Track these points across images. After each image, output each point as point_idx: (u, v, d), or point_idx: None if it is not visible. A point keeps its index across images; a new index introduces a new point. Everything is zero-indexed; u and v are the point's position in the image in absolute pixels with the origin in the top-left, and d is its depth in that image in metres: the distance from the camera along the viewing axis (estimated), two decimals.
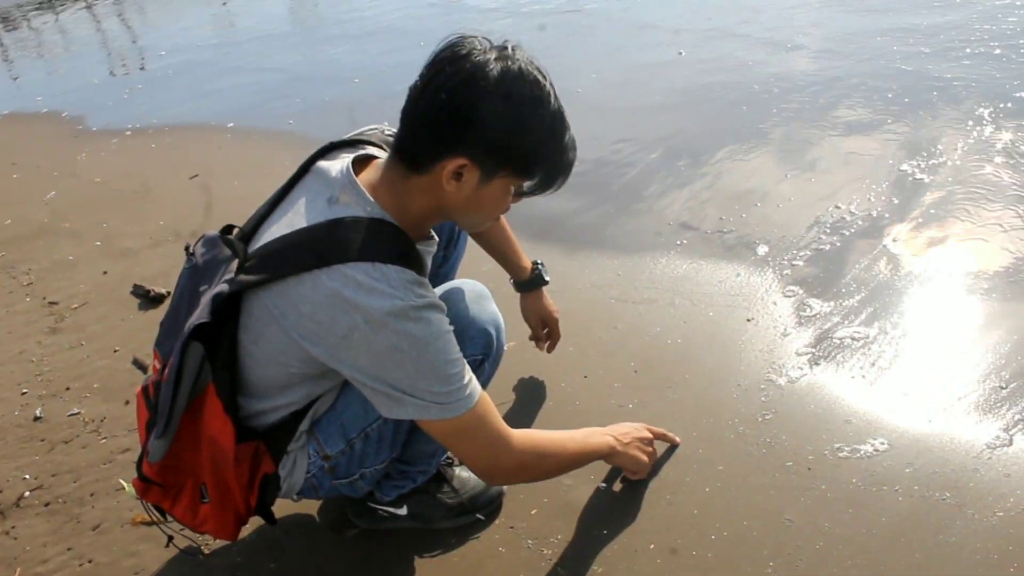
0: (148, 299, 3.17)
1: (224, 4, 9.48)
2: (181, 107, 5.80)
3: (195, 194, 4.12)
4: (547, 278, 2.21)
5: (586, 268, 2.95)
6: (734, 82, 4.43)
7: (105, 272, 3.51)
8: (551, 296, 2.28)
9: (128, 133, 5.41)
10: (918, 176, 3.17)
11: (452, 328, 1.44)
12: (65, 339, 3.04)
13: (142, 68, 7.35)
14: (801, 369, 2.27)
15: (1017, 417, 2.00)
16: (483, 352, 1.69)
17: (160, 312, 3.06)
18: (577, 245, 3.12)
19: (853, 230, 2.90)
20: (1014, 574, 1.63)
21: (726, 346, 2.41)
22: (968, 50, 4.29)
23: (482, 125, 1.34)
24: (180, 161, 4.66)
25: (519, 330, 2.32)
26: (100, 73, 7.32)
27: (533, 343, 2.33)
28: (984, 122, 3.49)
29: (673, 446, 2.05)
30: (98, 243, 3.81)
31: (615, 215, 3.29)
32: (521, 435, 1.58)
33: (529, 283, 2.20)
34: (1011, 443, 1.93)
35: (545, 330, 2.29)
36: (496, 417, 1.52)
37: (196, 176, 4.35)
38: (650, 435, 1.94)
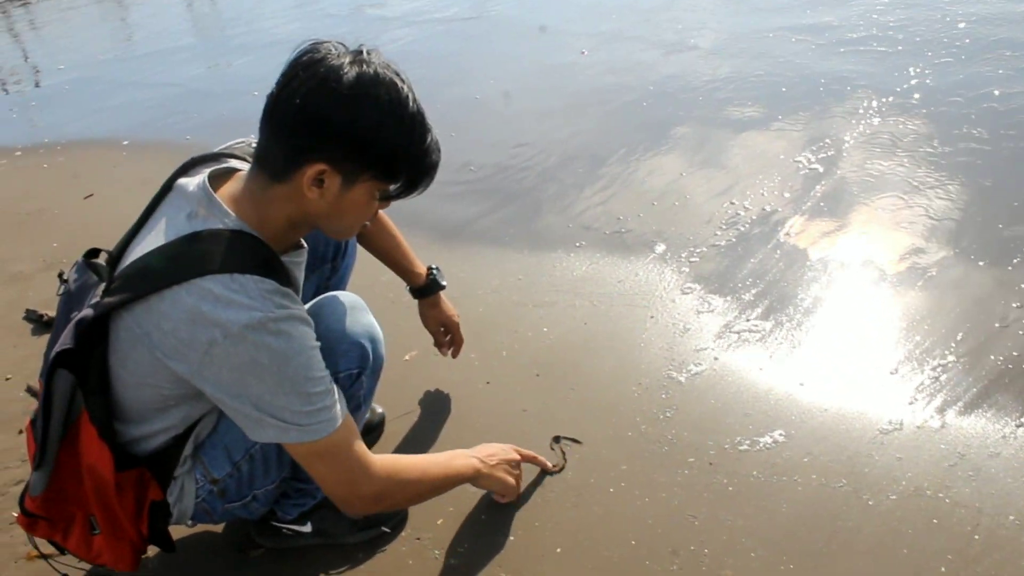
0: (41, 324, 3.07)
1: (123, 20, 9.22)
2: (75, 124, 5.62)
3: (90, 214, 4.01)
4: (443, 283, 2.21)
5: (487, 273, 2.98)
6: (630, 84, 4.53)
7: None
8: (452, 303, 2.29)
9: (18, 154, 5.22)
10: (811, 168, 3.31)
11: (318, 344, 1.44)
12: None
13: (37, 85, 7.09)
14: (701, 365, 2.33)
15: (907, 400, 2.10)
16: (358, 365, 1.68)
17: None
18: (477, 250, 3.16)
19: (749, 225, 2.99)
20: (907, 555, 1.70)
21: (627, 345, 2.46)
22: (853, 47, 4.47)
23: (338, 129, 1.34)
24: (74, 181, 4.52)
25: (421, 338, 2.32)
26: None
27: (436, 351, 2.32)
28: (871, 114, 3.64)
29: (544, 471, 2.02)
30: None
31: (515, 219, 3.33)
32: (382, 462, 1.56)
33: (425, 289, 2.19)
34: (902, 427, 2.02)
35: (447, 336, 2.29)
36: (358, 443, 1.50)
37: (91, 196, 4.23)
38: (518, 457, 1.91)
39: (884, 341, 2.32)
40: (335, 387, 1.47)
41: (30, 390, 2.68)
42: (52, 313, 3.03)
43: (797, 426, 2.07)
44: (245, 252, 1.38)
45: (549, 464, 2.01)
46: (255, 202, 1.43)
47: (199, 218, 1.40)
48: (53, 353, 1.42)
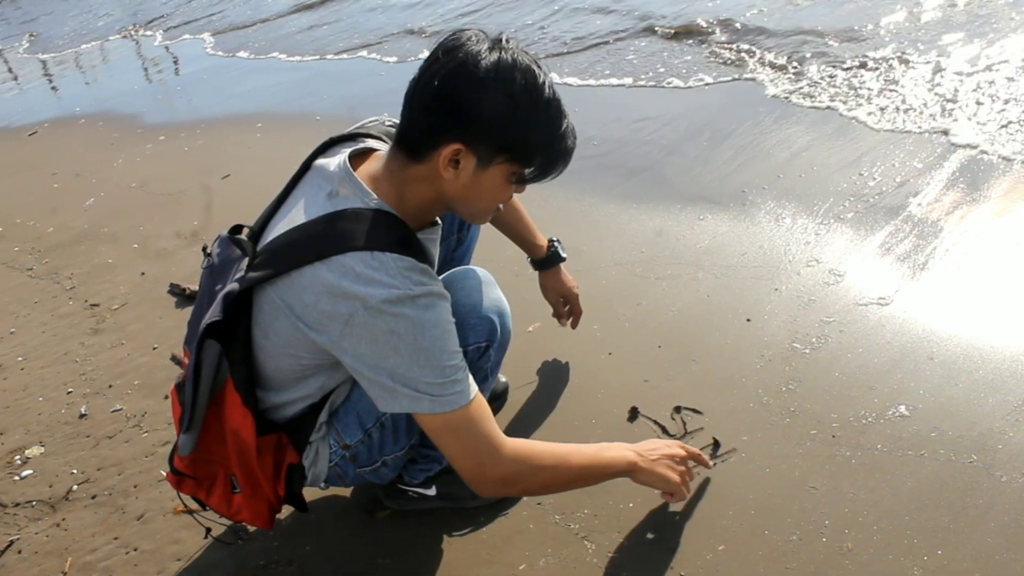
0: (184, 297, 3.25)
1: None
2: (212, 109, 5.90)
3: (228, 193, 4.21)
4: (564, 255, 2.22)
5: (609, 246, 2.97)
6: None
7: (143, 273, 3.60)
8: (574, 275, 2.29)
9: (162, 138, 5.53)
10: (945, 138, 3.14)
11: (454, 320, 1.46)
12: (107, 339, 3.13)
13: (176, 73, 7.47)
14: (826, 337, 2.26)
15: None
16: (487, 339, 1.71)
17: None
18: (600, 223, 3.14)
19: (878, 196, 2.87)
20: None
21: (751, 317, 2.41)
22: None
23: (474, 111, 1.37)
24: (212, 162, 4.75)
25: (545, 310, 2.34)
26: (135, 80, 7.47)
27: (556, 321, 2.34)
28: None
29: (706, 482, 1.90)
30: (135, 246, 3.91)
31: (638, 192, 3.30)
32: (515, 444, 1.53)
33: (546, 261, 2.21)
34: None
35: (566, 307, 2.31)
36: (490, 422, 1.49)
37: (228, 176, 4.44)
38: (684, 453, 1.75)
39: (1022, 318, 2.19)
40: (466, 367, 1.49)
41: (174, 359, 2.84)
42: (194, 287, 3.22)
43: (925, 400, 1.99)
44: (385, 230, 1.42)
45: (710, 463, 1.85)
46: (394, 182, 1.48)
47: (340, 197, 1.46)
48: (203, 325, 1.51)
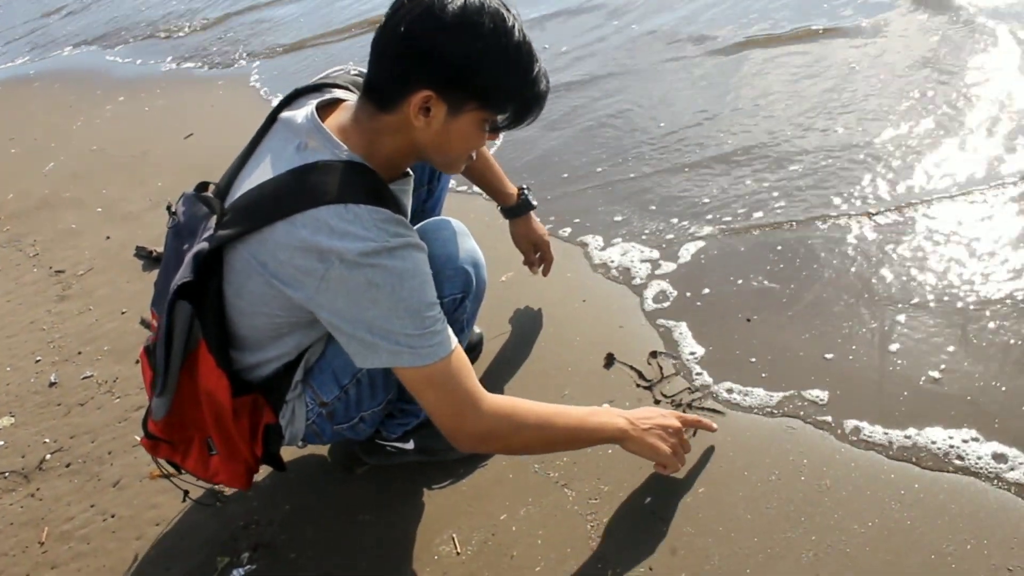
0: (151, 260, 3.20)
1: None
2: (170, 65, 5.77)
3: (192, 153, 4.13)
4: (534, 203, 2.20)
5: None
6: None
7: (108, 237, 3.54)
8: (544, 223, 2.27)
9: (121, 99, 5.40)
10: None
11: (430, 272, 1.43)
12: (74, 305, 3.07)
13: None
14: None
15: None
16: (462, 290, 1.69)
17: None
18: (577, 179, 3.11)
19: None
20: None
21: None
22: None
23: (441, 56, 1.33)
24: (174, 122, 4.65)
25: (514, 260, 2.31)
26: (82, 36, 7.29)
27: (528, 270, 2.32)
28: None
29: (709, 450, 1.83)
30: (99, 210, 3.84)
31: (610, 151, 3.27)
32: (498, 400, 1.50)
33: (516, 208, 2.19)
34: None
35: (537, 254, 2.29)
36: (470, 376, 1.47)
37: (191, 135, 4.35)
38: (678, 424, 1.69)
39: None
40: (444, 318, 1.46)
41: (144, 322, 2.81)
42: (161, 249, 3.15)
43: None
44: (357, 182, 1.38)
45: (713, 425, 1.78)
46: (363, 132, 1.43)
47: (309, 149, 1.41)
48: (173, 286, 1.46)
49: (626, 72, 3.84)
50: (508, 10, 1.37)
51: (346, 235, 1.33)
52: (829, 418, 1.83)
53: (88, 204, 3.93)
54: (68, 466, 2.28)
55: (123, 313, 2.92)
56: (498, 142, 3.28)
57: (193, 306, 1.48)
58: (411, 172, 1.61)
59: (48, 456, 2.33)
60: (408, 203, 1.60)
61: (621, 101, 3.55)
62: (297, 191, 1.38)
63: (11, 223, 3.98)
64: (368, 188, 1.39)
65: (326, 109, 1.50)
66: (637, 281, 2.42)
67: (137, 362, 2.60)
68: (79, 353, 2.76)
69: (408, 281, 1.37)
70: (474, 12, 1.32)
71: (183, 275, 1.45)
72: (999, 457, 1.66)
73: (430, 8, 1.32)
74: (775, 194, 2.65)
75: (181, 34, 6.66)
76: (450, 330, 1.45)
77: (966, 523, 1.56)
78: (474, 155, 1.57)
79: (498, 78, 1.38)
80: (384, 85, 1.39)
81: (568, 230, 2.73)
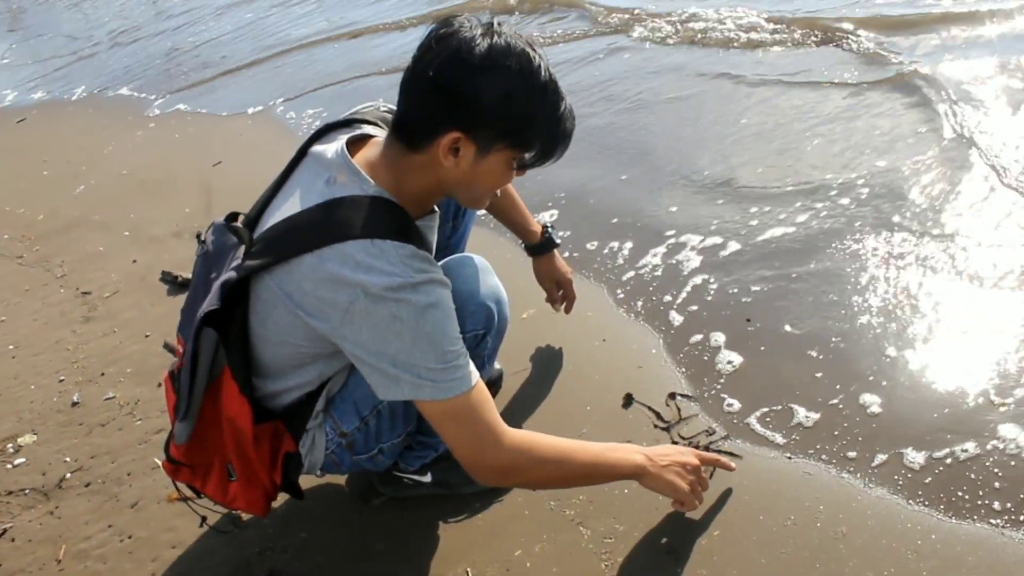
0: (176, 285, 3.24)
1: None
2: (202, 99, 5.86)
3: (219, 181, 4.19)
4: (557, 240, 2.23)
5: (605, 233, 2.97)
6: None
7: (135, 261, 3.59)
8: (568, 262, 2.29)
9: (152, 125, 5.49)
10: None
11: (454, 307, 1.46)
12: (99, 327, 3.11)
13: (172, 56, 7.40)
14: None
15: None
16: (484, 326, 1.71)
17: None
18: (598, 212, 3.14)
19: None
20: None
21: None
22: None
23: (470, 99, 1.37)
24: (203, 150, 4.73)
25: (536, 297, 2.34)
26: (125, 63, 7.41)
27: (550, 308, 2.34)
28: None
29: (727, 491, 1.84)
30: (127, 233, 3.89)
31: (632, 180, 3.30)
32: (518, 435, 1.52)
33: (540, 247, 2.22)
34: None
35: (560, 292, 2.31)
36: (491, 410, 1.48)
37: (219, 163, 4.42)
38: (696, 462, 1.69)
39: None
40: (467, 354, 1.48)
41: (167, 347, 2.82)
42: (186, 275, 3.21)
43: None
44: (384, 218, 1.42)
45: (732, 464, 1.78)
46: (392, 169, 1.47)
47: (338, 184, 1.45)
48: (200, 313, 1.49)
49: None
50: (534, 50, 1.41)
51: (371, 269, 1.36)
52: (849, 465, 1.83)
53: (116, 227, 3.99)
54: (87, 486, 2.30)
55: (147, 336, 2.96)
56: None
57: (219, 333, 1.51)
58: (437, 209, 1.64)
59: (68, 475, 2.36)
60: (434, 239, 1.64)
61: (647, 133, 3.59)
62: (325, 225, 1.41)
63: (40, 243, 4.04)
64: (394, 224, 1.42)
65: (355, 145, 1.54)
66: (658, 322, 2.44)
67: (159, 385, 2.63)
68: (102, 374, 2.79)
69: (431, 316, 1.40)
70: (501, 54, 1.36)
71: (210, 303, 1.48)
72: (1018, 509, 1.66)
73: (457, 51, 1.36)
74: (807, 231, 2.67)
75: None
76: (472, 365, 1.47)
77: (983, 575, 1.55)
78: (499, 192, 1.60)
79: (526, 118, 1.41)
80: (413, 125, 1.43)
81: (591, 270, 2.76)
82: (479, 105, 1.37)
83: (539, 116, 1.43)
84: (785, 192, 2.93)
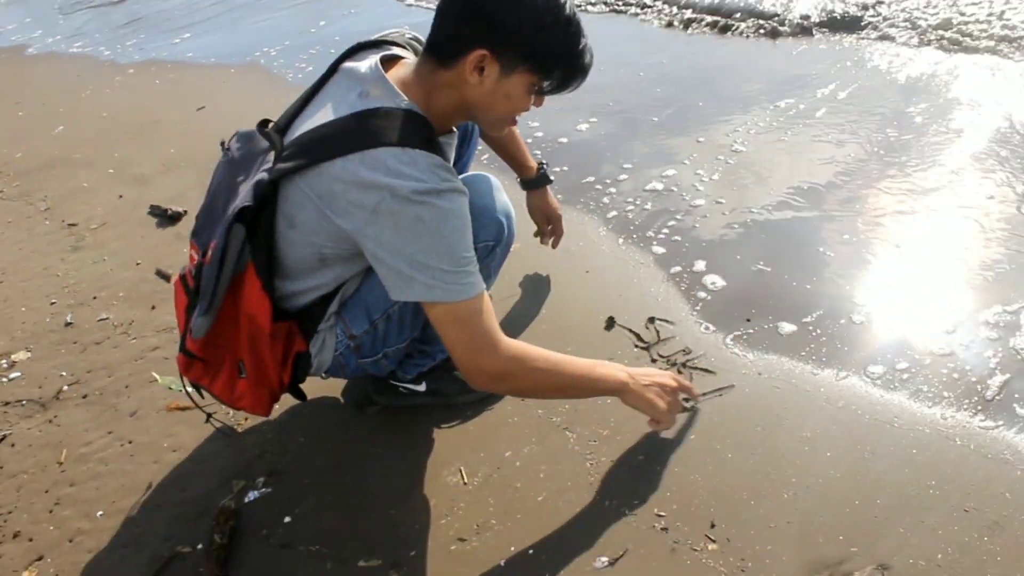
0: (166, 217, 3.30)
1: None
2: (182, 46, 5.87)
3: (204, 124, 4.23)
4: (551, 177, 2.35)
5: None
6: None
7: (121, 196, 3.64)
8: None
9: (131, 71, 5.49)
10: None
11: (470, 218, 1.56)
12: (88, 255, 3.17)
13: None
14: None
15: None
16: (495, 238, 1.83)
17: (179, 228, 3.22)
18: (580, 158, 3.28)
19: None
20: None
21: None
22: None
23: (499, 20, 1.48)
24: (185, 95, 4.76)
25: (525, 230, 2.45)
26: (93, 13, 7.36)
27: (536, 242, 2.47)
28: None
29: (693, 413, 1.96)
30: (111, 171, 3.93)
31: (627, 136, 3.44)
32: (514, 344, 1.61)
33: (534, 181, 2.34)
34: None
35: (549, 226, 2.43)
36: (491, 318, 1.58)
37: (203, 108, 4.46)
38: (675, 384, 1.81)
39: None
40: (477, 265, 1.58)
41: (160, 273, 2.92)
42: (176, 208, 3.28)
43: None
44: (414, 130, 1.52)
45: (699, 395, 1.92)
46: (422, 86, 1.58)
47: (371, 97, 1.54)
48: (233, 209, 1.58)
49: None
50: None
51: (401, 175, 1.46)
52: (814, 380, 2.00)
53: (99, 165, 4.02)
54: (85, 397, 2.38)
55: (138, 264, 3.02)
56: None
57: (246, 232, 1.60)
58: (455, 129, 1.75)
59: (65, 387, 2.43)
60: (452, 156, 1.74)
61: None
62: (359, 132, 1.50)
63: (20, 180, 4.06)
64: (424, 136, 1.52)
65: (388, 63, 1.64)
66: (639, 254, 2.59)
67: (153, 308, 2.71)
68: (94, 298, 2.86)
69: (451, 222, 1.50)
70: None
71: (244, 200, 1.57)
72: (963, 417, 1.84)
73: None
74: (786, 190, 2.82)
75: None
76: (480, 275, 1.58)
77: (930, 470, 1.72)
78: (517, 119, 1.71)
79: (548, 45, 1.52)
80: (445, 43, 1.53)
81: (578, 207, 2.90)
82: (506, 28, 1.48)
83: (560, 47, 1.54)
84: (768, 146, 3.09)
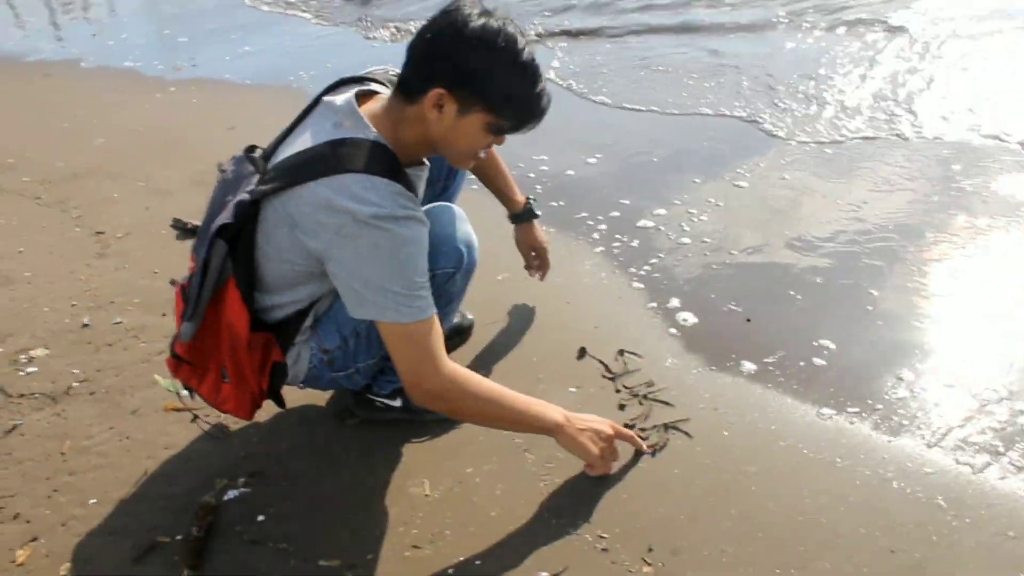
0: (186, 231, 3.49)
1: None
2: (221, 67, 6.12)
3: (232, 143, 4.41)
4: (538, 212, 2.47)
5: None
6: None
7: (147, 208, 3.83)
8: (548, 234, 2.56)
9: (172, 89, 5.74)
10: None
11: (428, 246, 1.70)
12: (111, 263, 3.36)
13: (186, 31, 7.67)
14: None
15: None
16: (455, 266, 1.96)
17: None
18: (578, 194, 3.41)
19: None
20: None
21: None
22: None
23: (457, 62, 1.62)
24: (219, 115, 4.98)
25: (512, 262, 2.60)
26: (145, 32, 7.67)
27: (524, 273, 2.60)
28: None
29: (639, 453, 2.04)
30: (141, 183, 4.14)
31: (621, 177, 3.58)
32: (457, 369, 1.73)
33: (522, 215, 2.46)
34: None
35: (537, 260, 2.55)
36: (438, 342, 1.70)
37: (233, 128, 4.67)
38: (611, 432, 1.90)
39: None
40: (429, 290, 1.72)
41: (173, 283, 3.07)
42: (196, 222, 3.45)
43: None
44: (379, 159, 1.67)
45: (644, 446, 2.01)
46: (391, 120, 1.73)
47: (344, 128, 1.70)
48: (214, 226, 1.75)
49: None
50: (522, 35, 1.66)
51: (363, 200, 1.61)
52: (767, 417, 2.10)
53: (130, 177, 4.22)
54: (92, 394, 2.54)
55: (155, 273, 3.20)
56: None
57: (229, 247, 1.76)
58: (427, 162, 1.90)
59: (75, 384, 2.59)
60: (421, 188, 1.89)
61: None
62: (329, 159, 1.66)
63: (58, 187, 4.27)
64: (387, 165, 1.67)
65: (363, 97, 1.80)
66: (618, 290, 2.72)
67: (164, 315, 2.89)
68: (112, 302, 3.04)
69: (406, 248, 1.65)
70: (491, 32, 1.61)
71: (224, 217, 1.74)
72: (904, 461, 1.93)
73: (454, 23, 1.62)
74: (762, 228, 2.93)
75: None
76: (431, 300, 1.71)
77: (864, 510, 1.82)
78: (483, 155, 1.84)
79: (503, 87, 1.66)
80: (410, 81, 1.69)
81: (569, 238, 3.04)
82: (463, 70, 1.63)
83: (516, 90, 1.67)
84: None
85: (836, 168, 3.30)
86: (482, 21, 1.62)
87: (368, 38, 6.41)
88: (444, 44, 1.63)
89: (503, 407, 1.79)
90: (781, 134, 3.65)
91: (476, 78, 1.64)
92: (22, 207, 4.08)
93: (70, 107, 5.62)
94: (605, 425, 1.90)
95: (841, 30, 4.86)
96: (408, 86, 1.69)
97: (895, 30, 4.75)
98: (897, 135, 3.43)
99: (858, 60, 4.29)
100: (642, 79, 4.62)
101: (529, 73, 1.67)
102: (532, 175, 3.60)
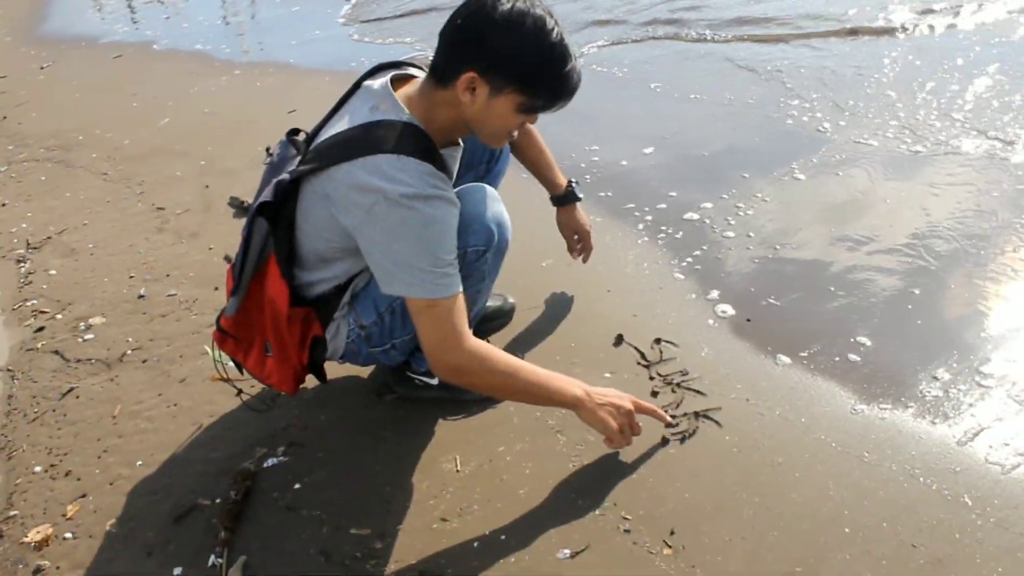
0: (242, 209, 3.59)
1: None
2: (285, 52, 6.25)
3: (291, 125, 4.50)
4: (580, 195, 2.49)
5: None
6: None
7: (207, 186, 3.95)
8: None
9: (237, 72, 5.89)
10: None
11: (457, 224, 1.74)
12: (168, 238, 3.48)
13: (252, 16, 7.84)
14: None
15: None
16: (485, 244, 1.98)
17: None
18: (628, 185, 3.43)
19: None
20: None
21: None
22: None
23: (488, 45, 1.65)
24: (281, 98, 5.10)
25: (560, 249, 2.62)
26: (213, 16, 7.87)
27: (570, 256, 2.61)
28: None
29: (666, 440, 2.05)
30: (203, 163, 4.27)
31: (667, 164, 3.57)
32: (479, 344, 1.76)
33: (564, 198, 2.48)
34: None
35: (579, 243, 2.57)
36: (462, 318, 1.74)
37: (294, 111, 4.77)
38: (631, 407, 1.89)
39: None
40: (457, 267, 1.76)
41: (227, 259, 3.18)
42: (251, 200, 3.54)
43: None
44: (412, 140, 1.71)
45: (668, 418, 2.01)
46: (424, 103, 1.77)
47: (379, 111, 1.76)
48: (255, 204, 1.83)
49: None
50: (551, 16, 1.67)
51: (394, 179, 1.65)
52: (798, 411, 2.10)
53: (193, 156, 4.36)
54: (144, 362, 2.64)
55: (210, 249, 3.31)
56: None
57: (270, 226, 1.83)
58: (462, 143, 1.94)
59: (129, 352, 2.70)
60: (455, 168, 1.93)
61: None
62: (364, 140, 1.71)
63: (124, 164, 4.43)
64: (420, 146, 1.71)
65: (400, 82, 1.85)
66: (660, 279, 2.73)
67: (216, 289, 2.98)
68: (167, 276, 3.15)
69: (433, 226, 1.69)
70: (519, 14, 1.63)
71: (265, 196, 1.81)
72: (932, 458, 1.91)
73: (484, 6, 1.64)
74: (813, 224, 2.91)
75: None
76: (459, 278, 1.75)
77: (888, 504, 1.81)
78: (515, 134, 1.85)
79: (532, 68, 1.68)
80: (442, 65, 1.72)
81: (615, 228, 3.05)
82: (494, 52, 1.65)
83: (545, 71, 1.69)
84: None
85: (890, 173, 3.23)
86: (510, 4, 1.64)
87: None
88: (474, 28, 1.66)
89: (523, 381, 1.80)
90: (836, 136, 3.59)
91: (507, 60, 1.66)
92: (90, 182, 4.25)
93: (140, 87, 5.81)
94: (625, 400, 1.90)
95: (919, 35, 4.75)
96: (440, 71, 1.73)
97: (971, 41, 4.63)
98: (954, 151, 3.35)
99: (932, 71, 4.20)
100: (707, 74, 4.59)
101: (558, 52, 1.68)
102: (583, 164, 3.61)
